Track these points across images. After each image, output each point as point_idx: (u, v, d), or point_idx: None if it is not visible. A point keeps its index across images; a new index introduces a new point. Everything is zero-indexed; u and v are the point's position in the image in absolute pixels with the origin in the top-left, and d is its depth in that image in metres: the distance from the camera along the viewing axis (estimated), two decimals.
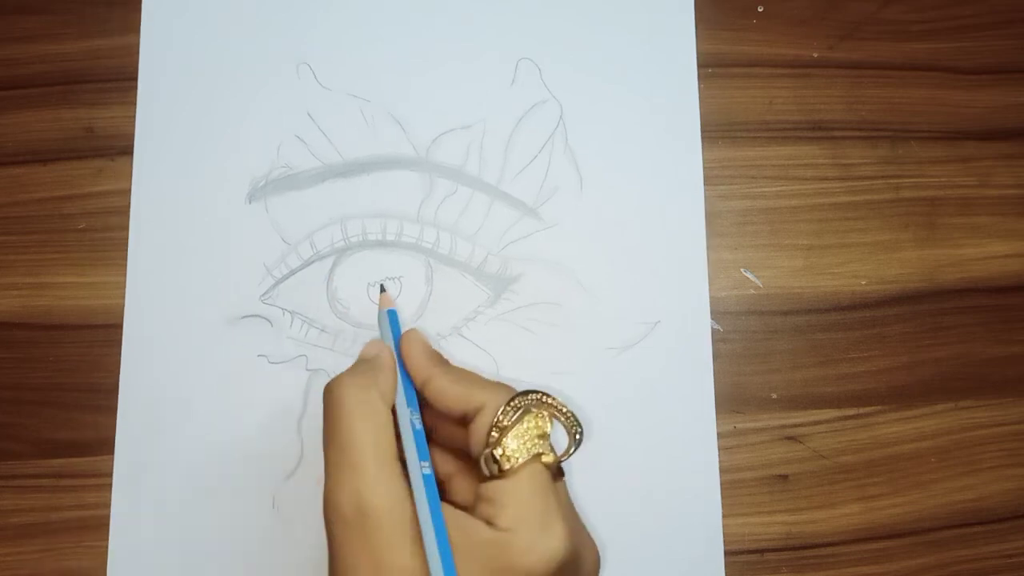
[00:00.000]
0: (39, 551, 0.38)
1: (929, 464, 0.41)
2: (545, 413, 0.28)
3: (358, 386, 0.28)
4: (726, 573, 0.39)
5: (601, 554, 0.30)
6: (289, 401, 0.39)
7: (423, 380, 0.30)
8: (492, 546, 0.26)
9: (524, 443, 0.27)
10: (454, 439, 0.31)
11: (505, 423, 0.28)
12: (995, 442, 0.41)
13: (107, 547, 0.38)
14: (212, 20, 0.43)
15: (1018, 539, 0.40)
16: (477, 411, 0.29)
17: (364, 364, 0.30)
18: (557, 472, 0.28)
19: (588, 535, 0.29)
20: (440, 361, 0.31)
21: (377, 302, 0.38)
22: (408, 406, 0.29)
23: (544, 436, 0.28)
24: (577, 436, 0.29)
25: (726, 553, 0.39)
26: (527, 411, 0.28)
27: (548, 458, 0.28)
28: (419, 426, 0.29)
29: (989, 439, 0.41)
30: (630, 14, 0.43)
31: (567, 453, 0.29)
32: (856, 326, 0.42)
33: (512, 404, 0.28)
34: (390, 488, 0.27)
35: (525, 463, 0.27)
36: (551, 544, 0.26)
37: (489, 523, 0.26)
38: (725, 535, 0.39)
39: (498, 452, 0.27)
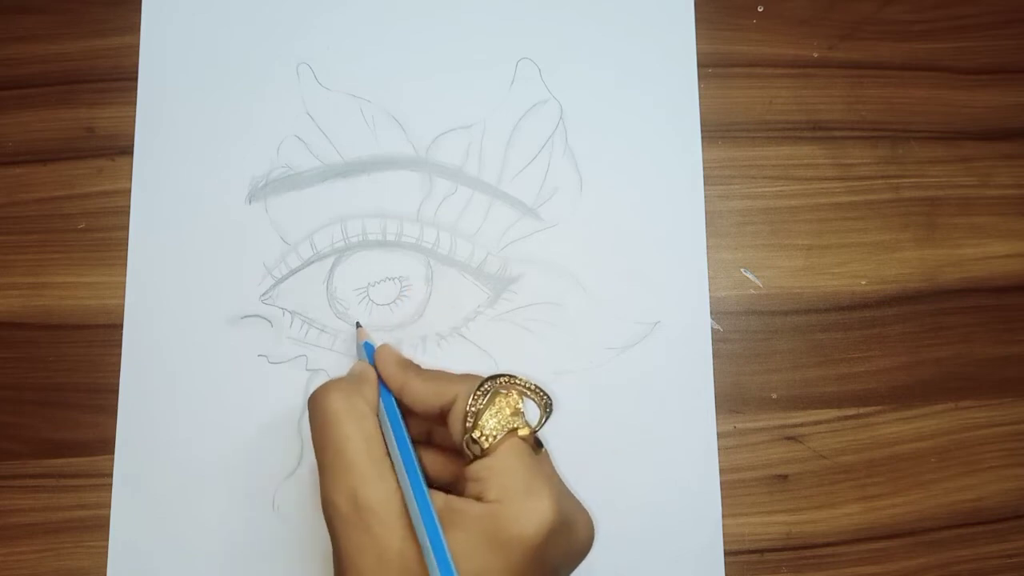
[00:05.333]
0: (39, 551, 0.38)
1: (929, 464, 0.41)
2: (514, 392, 0.30)
3: (345, 392, 0.30)
4: (726, 573, 0.39)
5: (598, 546, 0.30)
6: (289, 401, 0.39)
7: (399, 386, 0.32)
8: (484, 518, 0.27)
9: (499, 421, 0.29)
10: (449, 441, 0.32)
11: (478, 407, 0.29)
12: (995, 442, 0.41)
13: (107, 547, 0.38)
14: (212, 20, 0.43)
15: (1018, 539, 0.40)
16: (451, 403, 0.30)
17: (349, 376, 0.33)
18: (536, 444, 0.30)
19: (578, 502, 0.30)
20: (411, 367, 0.33)
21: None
22: (389, 412, 0.31)
23: (517, 413, 0.30)
24: (548, 408, 0.31)
25: (726, 553, 0.39)
26: (496, 393, 0.30)
27: (524, 431, 0.29)
28: (402, 429, 0.31)
29: (989, 439, 0.41)
30: (630, 14, 0.43)
31: (540, 424, 0.30)
32: (856, 326, 0.42)
33: (481, 389, 0.30)
34: (383, 482, 0.28)
35: (503, 439, 0.29)
36: (539, 508, 0.27)
37: (479, 499, 0.28)
38: (725, 535, 0.39)
39: (476, 434, 0.29)
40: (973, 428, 0.41)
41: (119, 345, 0.39)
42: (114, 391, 0.39)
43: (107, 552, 0.38)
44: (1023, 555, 0.40)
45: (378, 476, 0.28)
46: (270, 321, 0.40)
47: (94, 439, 0.39)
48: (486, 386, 0.30)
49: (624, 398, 0.40)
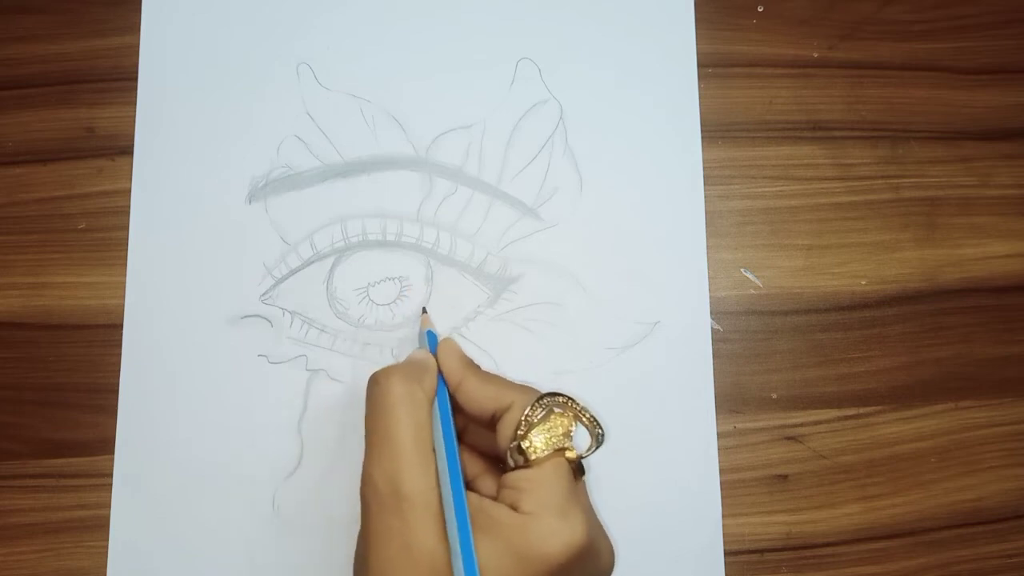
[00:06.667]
0: (39, 551, 0.38)
1: (929, 464, 0.41)
2: (569, 414, 0.30)
3: (406, 379, 0.30)
4: (726, 573, 0.39)
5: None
6: (289, 401, 0.39)
7: (456, 382, 0.32)
8: (514, 529, 0.27)
9: (549, 438, 0.29)
10: (481, 442, 0.33)
11: (532, 419, 0.30)
12: (995, 442, 0.41)
13: (107, 547, 0.38)
14: (212, 20, 0.43)
15: (1018, 539, 0.40)
16: (506, 409, 0.30)
17: (411, 363, 0.33)
18: (578, 470, 0.30)
19: (605, 533, 0.31)
20: (471, 366, 0.33)
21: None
22: (441, 407, 0.31)
23: (567, 434, 0.30)
24: (599, 437, 0.31)
25: (726, 553, 0.39)
26: (552, 411, 0.30)
27: (571, 454, 0.30)
28: (451, 424, 0.31)
29: (989, 439, 0.41)
30: (630, 14, 0.43)
31: (589, 451, 0.30)
32: (856, 326, 0.42)
33: (540, 403, 0.30)
34: (425, 473, 0.28)
35: (549, 456, 0.29)
36: (570, 530, 0.28)
37: (513, 508, 0.28)
38: (725, 535, 0.39)
39: (525, 444, 0.29)
40: (973, 428, 0.41)
41: (119, 345, 0.39)
42: (114, 391, 0.39)
43: (107, 552, 0.38)
44: (1023, 555, 0.40)
45: (422, 467, 0.29)
46: (270, 321, 0.40)
47: (94, 439, 0.39)
48: (545, 401, 0.30)
49: (624, 398, 0.40)
